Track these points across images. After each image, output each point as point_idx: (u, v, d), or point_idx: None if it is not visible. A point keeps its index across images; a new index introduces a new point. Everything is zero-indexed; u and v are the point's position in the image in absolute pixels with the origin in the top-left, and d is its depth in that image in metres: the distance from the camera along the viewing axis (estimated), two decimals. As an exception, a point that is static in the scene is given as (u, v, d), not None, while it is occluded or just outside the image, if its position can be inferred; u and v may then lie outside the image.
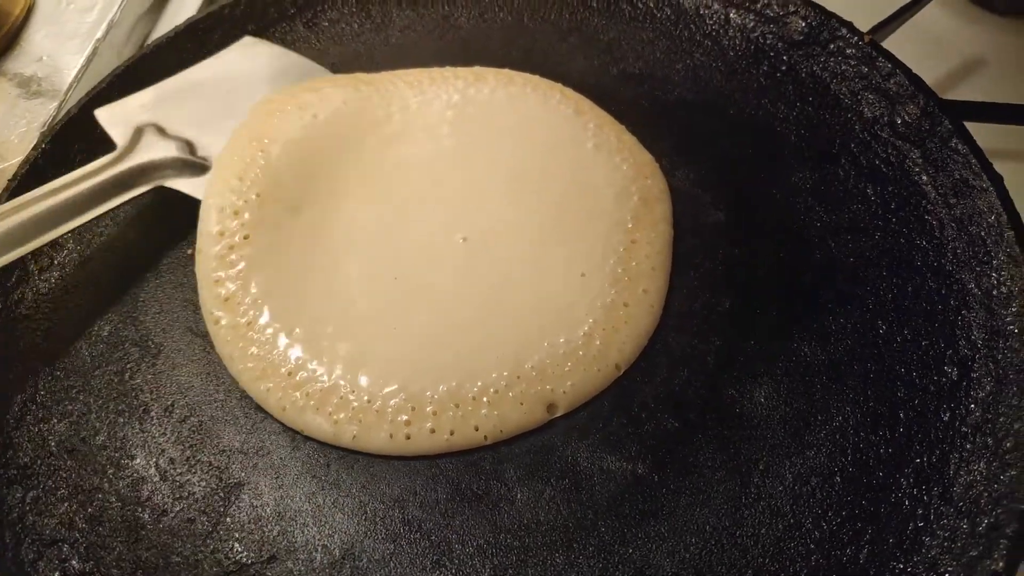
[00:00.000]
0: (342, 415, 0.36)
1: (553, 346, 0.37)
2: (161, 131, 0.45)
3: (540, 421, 0.36)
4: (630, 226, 0.41)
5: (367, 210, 0.42)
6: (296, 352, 0.38)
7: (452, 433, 0.35)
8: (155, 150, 0.43)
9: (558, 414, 0.36)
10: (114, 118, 0.45)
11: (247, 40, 0.50)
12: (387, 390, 0.36)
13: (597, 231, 0.41)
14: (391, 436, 0.35)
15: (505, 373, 0.37)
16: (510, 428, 0.36)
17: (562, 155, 0.44)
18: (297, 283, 0.40)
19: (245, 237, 0.41)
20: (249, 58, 0.49)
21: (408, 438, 0.35)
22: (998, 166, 0.44)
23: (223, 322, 0.39)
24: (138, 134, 0.44)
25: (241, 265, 0.40)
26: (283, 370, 0.37)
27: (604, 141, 0.44)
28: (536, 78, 0.47)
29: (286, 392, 0.37)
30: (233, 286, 0.39)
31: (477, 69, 0.48)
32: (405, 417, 0.36)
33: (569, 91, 0.47)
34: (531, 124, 0.45)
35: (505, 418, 0.36)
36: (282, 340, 0.38)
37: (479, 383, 0.36)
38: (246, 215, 0.41)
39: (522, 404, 0.36)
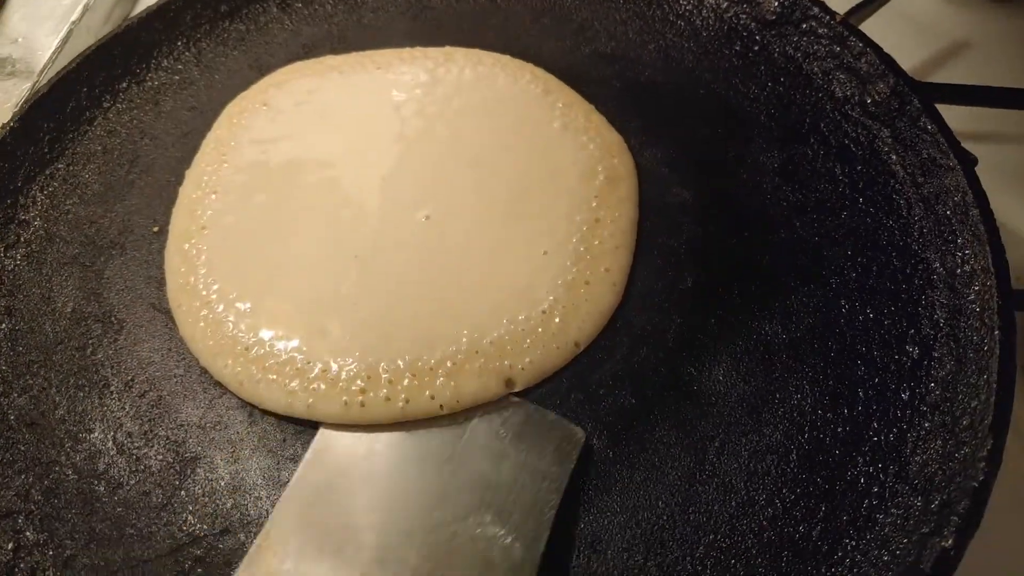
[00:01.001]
0: (296, 383, 0.36)
1: (513, 323, 0.37)
2: None
3: (497, 395, 0.36)
4: (594, 204, 0.41)
5: (329, 190, 0.42)
6: (253, 329, 0.38)
7: (407, 401, 0.35)
8: None
9: (515, 389, 0.36)
10: None
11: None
12: (342, 360, 0.36)
13: (561, 210, 0.41)
14: (346, 403, 0.35)
15: (463, 347, 0.36)
16: (466, 399, 0.35)
17: (529, 134, 0.44)
18: (257, 263, 0.40)
19: (202, 228, 0.41)
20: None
21: (363, 406, 0.35)
22: (975, 148, 0.44)
23: (183, 307, 0.39)
24: None
25: (200, 251, 0.40)
26: (240, 347, 0.37)
27: (572, 121, 0.44)
28: (506, 58, 0.47)
29: (244, 367, 0.37)
30: (193, 276, 0.40)
31: (447, 49, 0.47)
32: (360, 384, 0.35)
33: (539, 71, 0.47)
34: (499, 104, 0.45)
35: (461, 389, 0.36)
36: (240, 319, 0.38)
37: (437, 355, 0.36)
38: (207, 212, 0.42)
39: (480, 377, 0.36)
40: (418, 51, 0.47)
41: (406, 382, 0.35)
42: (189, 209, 0.42)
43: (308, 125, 0.45)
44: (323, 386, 0.35)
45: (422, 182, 0.42)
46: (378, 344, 0.36)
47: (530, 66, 0.47)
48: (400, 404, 0.35)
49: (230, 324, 0.38)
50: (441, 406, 0.35)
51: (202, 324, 0.38)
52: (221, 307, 0.39)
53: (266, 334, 0.37)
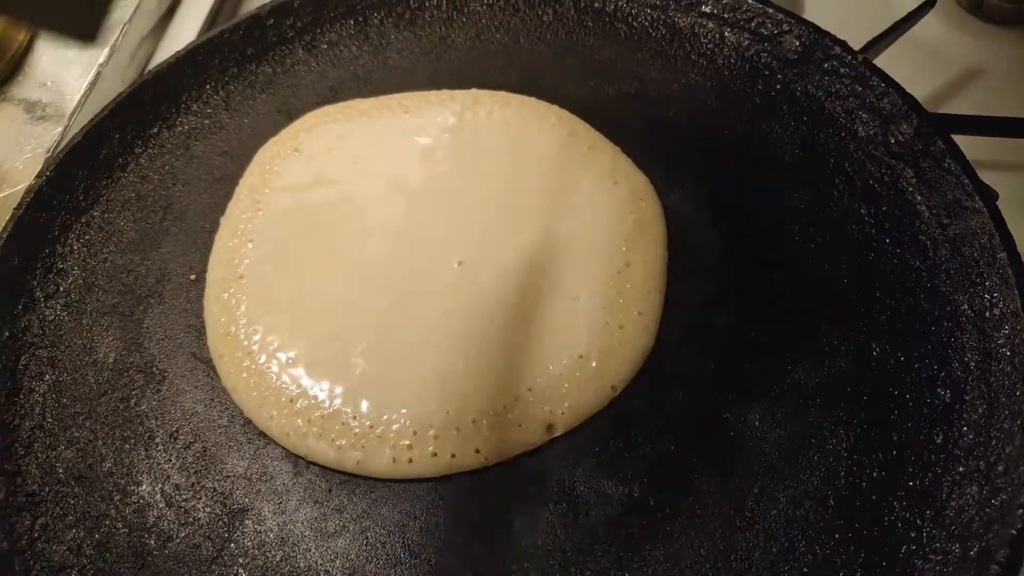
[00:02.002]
0: (344, 441, 0.37)
1: (550, 368, 0.38)
2: None
3: (539, 441, 0.37)
4: (624, 248, 0.42)
5: (363, 238, 0.43)
6: (297, 381, 0.38)
7: (453, 456, 0.36)
8: None
9: (557, 434, 0.37)
10: None
11: None
12: (388, 415, 0.37)
13: (591, 254, 0.41)
14: (394, 460, 0.36)
15: (504, 395, 0.37)
16: (509, 449, 0.36)
17: (557, 178, 0.44)
18: (296, 313, 0.40)
19: (240, 277, 0.42)
20: None
21: (411, 461, 0.36)
22: (994, 179, 0.45)
23: (225, 357, 0.40)
24: None
25: (240, 300, 0.41)
26: (284, 398, 0.38)
27: (599, 163, 0.45)
28: (531, 100, 0.48)
29: (289, 419, 0.37)
30: (233, 326, 0.40)
31: (474, 92, 0.48)
32: (407, 441, 0.36)
33: (565, 113, 0.47)
34: (526, 147, 0.46)
35: (505, 440, 0.36)
36: (282, 370, 0.39)
37: (479, 406, 0.37)
38: (244, 261, 0.42)
39: (521, 425, 0.37)
40: (444, 94, 0.48)
41: (452, 437, 0.36)
42: (226, 258, 0.43)
43: (340, 171, 0.46)
44: (371, 443, 0.36)
45: (454, 228, 0.43)
46: (422, 398, 0.37)
47: (555, 108, 0.48)
48: (447, 459, 0.36)
49: (273, 375, 0.39)
50: (486, 458, 0.36)
51: (245, 375, 0.39)
52: (263, 358, 0.39)
53: (310, 386, 0.38)
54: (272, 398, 0.38)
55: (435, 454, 0.36)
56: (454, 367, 0.38)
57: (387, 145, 0.46)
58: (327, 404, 0.37)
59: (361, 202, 0.44)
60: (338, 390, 0.38)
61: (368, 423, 0.37)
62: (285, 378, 0.38)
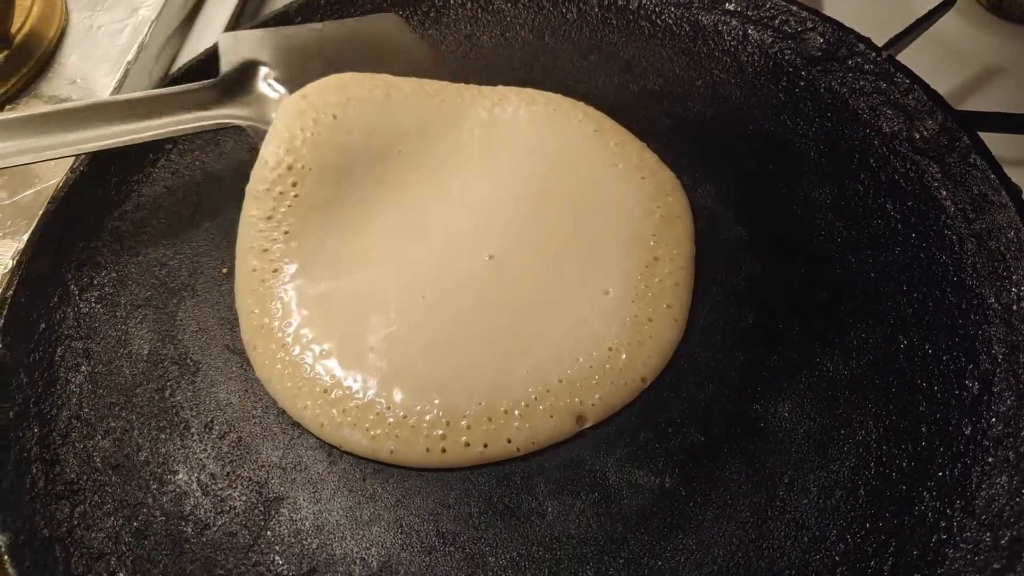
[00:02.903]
0: (379, 431, 0.37)
1: (580, 360, 0.39)
2: (268, 74, 0.47)
3: (570, 432, 0.37)
4: (652, 243, 0.42)
5: (395, 230, 0.43)
6: (331, 371, 0.39)
7: (486, 446, 0.37)
8: (255, 88, 0.46)
9: (587, 425, 0.37)
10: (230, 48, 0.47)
11: (386, 16, 0.52)
12: (422, 406, 0.38)
13: (620, 248, 0.42)
14: (427, 450, 0.37)
15: (535, 387, 0.38)
16: (541, 439, 0.37)
17: (585, 173, 0.45)
18: (329, 304, 0.41)
19: (275, 271, 0.42)
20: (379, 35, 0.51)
21: (444, 451, 0.37)
22: (1017, 176, 0.45)
23: (259, 348, 0.40)
24: (246, 68, 0.47)
25: (272, 292, 0.41)
26: (319, 388, 0.38)
27: (625, 159, 0.45)
28: (558, 97, 0.48)
29: (323, 409, 0.38)
30: (266, 318, 0.41)
31: (501, 88, 0.48)
32: (440, 431, 0.37)
33: (591, 109, 0.48)
34: (553, 142, 0.46)
35: (536, 430, 0.37)
36: (317, 361, 0.39)
37: (510, 397, 0.38)
38: (278, 252, 0.42)
39: (552, 416, 0.37)
40: (474, 88, 0.48)
41: (484, 427, 0.37)
42: (260, 245, 0.43)
43: (373, 157, 0.45)
44: (405, 433, 0.37)
45: (484, 221, 0.43)
46: (454, 389, 0.38)
47: (581, 104, 0.48)
48: (480, 449, 0.36)
49: (307, 366, 0.39)
50: (518, 448, 0.37)
51: (279, 366, 0.40)
52: (297, 349, 0.40)
53: (344, 376, 0.39)
54: (306, 388, 0.39)
55: (468, 444, 0.37)
56: (485, 359, 0.39)
57: (422, 135, 0.46)
58: (361, 394, 0.38)
59: (393, 193, 0.44)
60: (371, 380, 0.38)
61: (402, 413, 0.37)
62: (319, 369, 0.39)
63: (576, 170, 0.45)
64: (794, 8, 0.48)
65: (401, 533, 0.36)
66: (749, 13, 0.50)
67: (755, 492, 0.35)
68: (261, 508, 0.37)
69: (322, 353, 0.39)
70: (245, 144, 0.50)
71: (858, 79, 0.46)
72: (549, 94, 0.48)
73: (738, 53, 0.49)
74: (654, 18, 0.51)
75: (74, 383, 0.41)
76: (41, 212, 0.46)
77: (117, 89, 0.55)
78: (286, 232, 0.43)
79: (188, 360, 0.42)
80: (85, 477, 0.39)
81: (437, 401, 0.38)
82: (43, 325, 0.43)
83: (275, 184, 0.43)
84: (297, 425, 0.39)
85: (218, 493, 0.38)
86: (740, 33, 0.50)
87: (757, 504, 0.35)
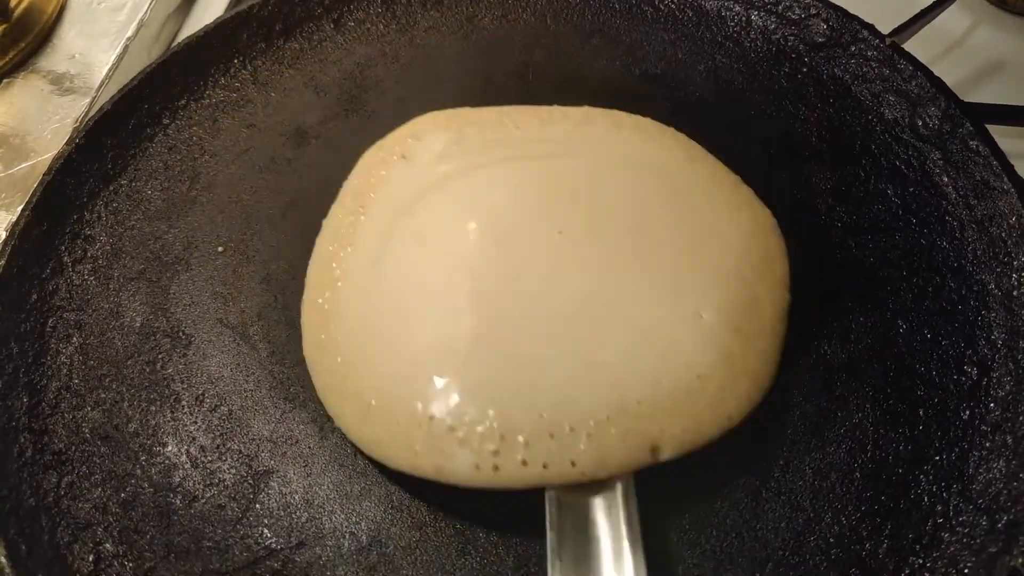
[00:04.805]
0: (419, 446, 0.34)
1: (663, 384, 0.34)
2: None
3: (642, 463, 0.33)
4: (752, 280, 0.38)
5: (467, 249, 0.39)
6: (379, 388, 0.36)
7: (546, 466, 0.33)
8: None
9: (661, 459, 0.33)
10: None
11: None
12: (471, 415, 0.34)
13: (717, 278, 0.38)
14: (477, 467, 0.33)
15: (609, 404, 0.34)
16: (611, 465, 0.33)
17: (677, 201, 0.41)
18: (389, 318, 0.38)
19: (336, 281, 0.40)
20: None
21: (496, 469, 0.33)
22: (1020, 168, 0.45)
23: (316, 363, 0.38)
24: None
25: (334, 306, 0.39)
26: (363, 404, 0.36)
27: (720, 192, 0.42)
28: (646, 121, 0.45)
29: (369, 425, 0.36)
30: (324, 333, 0.39)
31: (585, 109, 0.45)
32: (493, 447, 0.33)
33: (681, 136, 0.44)
34: (644, 169, 0.42)
35: (606, 454, 0.33)
36: (367, 372, 0.37)
37: (579, 412, 0.34)
38: (343, 267, 0.40)
39: (625, 441, 0.33)
40: (556, 111, 0.45)
41: (545, 444, 0.33)
42: (325, 261, 0.41)
43: (450, 181, 0.43)
44: (451, 447, 0.33)
45: (569, 245, 0.39)
46: (512, 395, 0.34)
47: (671, 130, 0.44)
48: (539, 469, 0.33)
49: (359, 381, 0.37)
50: (583, 473, 0.33)
51: (332, 378, 0.37)
52: (352, 363, 0.37)
53: (395, 391, 0.36)
54: (353, 402, 0.36)
55: (525, 463, 0.33)
56: (554, 366, 0.35)
57: (500, 162, 0.43)
58: (407, 406, 0.35)
59: (466, 216, 0.41)
60: (419, 391, 0.35)
61: (449, 424, 0.34)
62: (368, 383, 0.36)
63: (667, 197, 0.41)
64: (798, -6, 0.48)
65: (391, 508, 0.35)
66: (753, -1, 0.49)
67: (750, 473, 0.35)
68: (250, 481, 0.37)
69: (374, 365, 0.37)
70: (243, 120, 0.50)
71: (861, 66, 0.46)
72: (637, 117, 0.45)
73: (741, 39, 0.49)
74: (657, 2, 0.51)
75: (65, 354, 0.41)
76: (36, 184, 0.46)
77: (115, 66, 0.54)
78: (351, 246, 0.41)
79: (180, 333, 0.42)
80: (73, 448, 0.38)
81: (491, 412, 0.34)
82: (35, 296, 0.42)
83: (346, 215, 0.43)
84: (288, 399, 0.39)
85: (207, 465, 0.37)
86: (743, 19, 0.49)
87: (752, 485, 0.35)
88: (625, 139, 0.44)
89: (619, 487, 0.33)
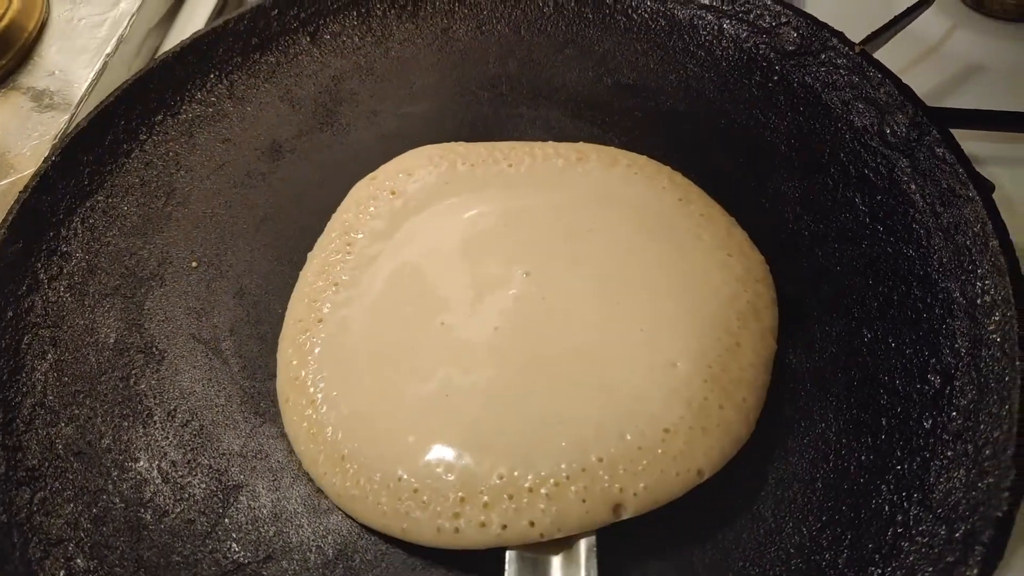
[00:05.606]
0: (386, 507, 0.34)
1: (628, 439, 0.34)
2: None
3: (603, 523, 0.33)
4: (736, 327, 0.37)
5: (450, 293, 0.40)
6: (353, 438, 0.36)
7: (504, 528, 0.33)
8: None
9: (623, 517, 0.33)
10: None
11: None
12: (434, 476, 0.34)
13: (697, 324, 0.37)
14: (438, 530, 0.33)
15: (568, 463, 0.33)
16: (569, 526, 0.33)
17: (664, 244, 0.40)
18: (365, 366, 0.38)
19: (319, 320, 0.40)
20: None
21: (457, 531, 0.33)
22: (993, 173, 0.45)
23: (289, 402, 0.38)
24: None
25: (314, 345, 0.39)
26: (336, 455, 0.36)
27: (712, 232, 0.41)
28: (642, 159, 0.45)
29: (340, 479, 0.36)
30: (303, 371, 0.39)
31: (580, 146, 0.45)
32: (454, 510, 0.33)
33: (677, 176, 0.44)
34: (634, 208, 0.42)
35: (564, 516, 0.33)
36: (340, 424, 0.37)
37: (537, 472, 0.33)
38: (326, 305, 0.41)
39: (585, 502, 0.33)
40: (549, 147, 0.45)
41: (504, 506, 0.33)
42: (309, 298, 0.41)
43: (436, 221, 0.43)
44: (415, 512, 0.34)
45: (545, 281, 0.39)
46: (474, 461, 0.34)
47: (667, 169, 0.44)
48: (496, 532, 0.33)
49: (330, 429, 0.37)
50: (541, 535, 0.33)
51: (305, 424, 0.37)
52: (325, 408, 0.37)
53: (364, 446, 0.36)
54: (327, 453, 0.36)
55: (484, 525, 0.33)
56: (514, 421, 0.35)
57: (487, 200, 0.43)
58: (376, 467, 0.35)
59: (454, 260, 0.41)
60: (389, 451, 0.35)
61: (415, 487, 0.34)
62: (340, 435, 0.36)
63: (657, 238, 0.41)
64: (769, 2, 0.48)
65: (358, 522, 0.36)
66: (725, 8, 0.49)
67: (712, 481, 0.35)
68: (220, 496, 0.37)
69: (347, 416, 0.37)
70: (218, 135, 0.50)
71: (831, 73, 0.46)
72: (632, 155, 0.45)
73: (713, 48, 0.49)
74: (630, 12, 0.51)
75: (39, 371, 0.41)
76: (13, 201, 0.46)
77: (95, 82, 0.55)
78: (336, 284, 0.41)
79: (154, 349, 0.42)
80: (47, 464, 0.39)
81: (454, 471, 0.34)
82: (10, 313, 0.43)
83: (332, 252, 0.43)
84: (258, 414, 0.39)
85: (178, 480, 0.38)
86: (715, 28, 0.50)
87: (714, 494, 0.35)
88: (618, 178, 0.43)
89: (581, 545, 0.33)
